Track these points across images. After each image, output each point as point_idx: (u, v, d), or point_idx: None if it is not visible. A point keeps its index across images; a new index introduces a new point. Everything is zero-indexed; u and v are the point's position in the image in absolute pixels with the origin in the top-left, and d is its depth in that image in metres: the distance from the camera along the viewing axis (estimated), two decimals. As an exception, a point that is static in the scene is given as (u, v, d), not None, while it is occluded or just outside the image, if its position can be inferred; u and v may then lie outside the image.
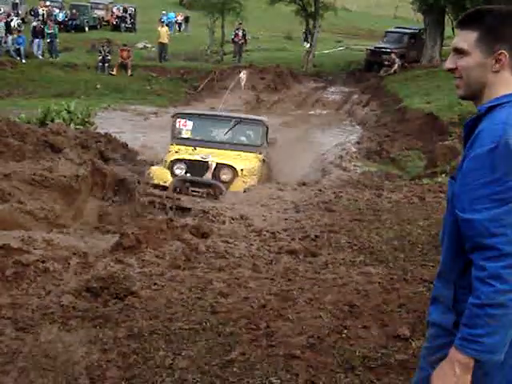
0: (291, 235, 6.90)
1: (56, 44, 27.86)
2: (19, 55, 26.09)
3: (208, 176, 9.63)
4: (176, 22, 39.96)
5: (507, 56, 2.05)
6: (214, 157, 10.14)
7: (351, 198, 8.54)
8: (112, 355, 4.02)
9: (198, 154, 10.27)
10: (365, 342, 4.07)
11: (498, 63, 2.06)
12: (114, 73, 26.13)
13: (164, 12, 38.20)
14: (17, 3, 35.51)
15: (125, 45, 27.93)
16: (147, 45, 32.21)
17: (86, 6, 37.54)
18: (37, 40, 27.21)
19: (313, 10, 29.88)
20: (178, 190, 9.36)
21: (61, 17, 34.16)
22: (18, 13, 33.55)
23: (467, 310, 1.96)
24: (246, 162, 10.27)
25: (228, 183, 9.62)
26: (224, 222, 7.30)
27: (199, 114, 11.59)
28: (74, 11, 35.89)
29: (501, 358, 1.97)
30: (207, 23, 31.77)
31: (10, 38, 26.81)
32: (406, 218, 7.36)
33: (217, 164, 9.76)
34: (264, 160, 10.77)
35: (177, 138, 10.94)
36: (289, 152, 14.70)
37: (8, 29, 27.02)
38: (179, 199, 8.56)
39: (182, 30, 39.83)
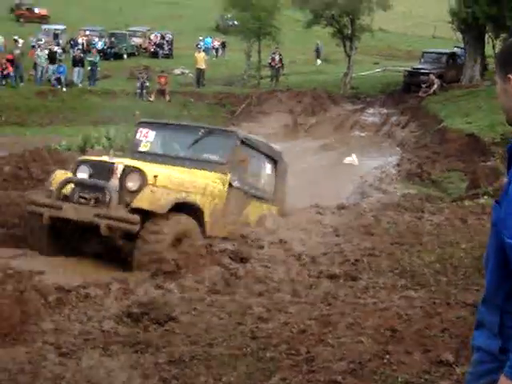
0: (331, 259, 6.86)
1: (96, 72, 28.47)
2: (60, 84, 26.72)
3: (114, 182, 7.22)
4: (213, 47, 40.46)
5: None
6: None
7: (391, 221, 8.46)
8: (153, 380, 4.04)
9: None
10: (407, 367, 4.00)
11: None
12: (152, 99, 26.53)
13: (201, 38, 38.73)
14: (58, 33, 36.46)
15: (162, 71, 28.37)
16: (184, 71, 32.65)
17: (124, 33, 38.29)
18: (77, 68, 27.84)
19: (349, 32, 29.94)
20: (66, 196, 7.48)
21: (100, 45, 34.90)
22: (58, 42, 34.44)
23: None
24: (176, 174, 7.85)
25: (135, 193, 7.15)
26: (263, 247, 7.29)
27: (165, 124, 9.57)
28: (112, 39, 36.66)
29: None
30: (244, 48, 32.08)
31: (51, 67, 27.50)
32: (448, 240, 7.26)
33: (124, 167, 7.32)
34: (231, 184, 8.24)
35: (133, 151, 8.83)
36: (327, 175, 14.68)
37: (50, 58, 27.73)
38: (60, 208, 7.20)
39: (218, 55, 40.30)
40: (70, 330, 4.86)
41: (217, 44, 40.73)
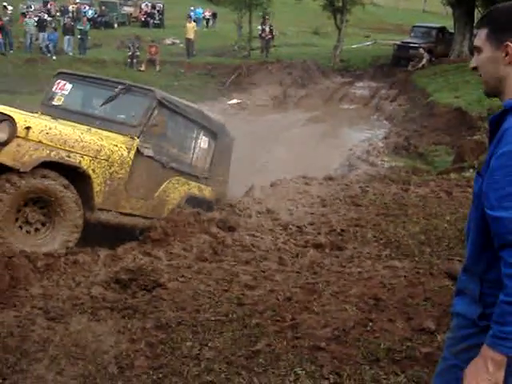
0: (317, 229, 6.92)
1: (87, 41, 28.18)
2: (49, 52, 26.43)
3: None
4: (204, 17, 40.08)
5: None
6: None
7: (378, 193, 8.53)
8: (140, 345, 4.10)
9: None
10: (390, 334, 4.09)
11: (508, 55, 2.08)
12: (142, 69, 26.34)
13: (192, 8, 38.34)
14: (47, 1, 35.95)
15: (153, 41, 28.14)
16: (175, 41, 32.38)
17: (114, 2, 37.84)
18: (67, 37, 27.54)
19: (340, 4, 29.74)
20: None
21: (90, 14, 34.46)
22: (48, 10, 33.98)
23: (497, 307, 1.96)
24: (60, 129, 6.58)
25: (3, 145, 6.08)
26: (250, 216, 7.35)
27: (83, 77, 8.23)
28: (103, 8, 36.21)
29: None
30: (235, 19, 31.82)
31: (41, 34, 27.17)
32: (433, 212, 7.33)
33: None
34: (139, 150, 7.20)
35: (45, 105, 7.92)
36: (315, 147, 14.72)
37: (40, 26, 27.39)
38: None
39: (209, 25, 39.94)
40: (58, 295, 4.92)
41: (208, 14, 40.34)
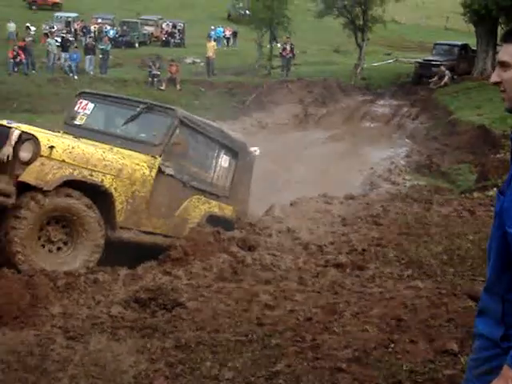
0: (338, 249, 6.87)
1: (108, 60, 28.51)
2: (71, 71, 26.79)
3: (8, 149, 6.18)
4: (224, 36, 40.41)
5: None
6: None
7: (399, 212, 8.46)
8: (159, 365, 4.08)
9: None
10: (412, 356, 4.03)
11: None
12: (163, 88, 26.55)
13: (213, 27, 38.68)
14: (70, 21, 36.53)
15: (173, 60, 28.37)
16: (196, 60, 32.63)
17: (136, 22, 38.29)
18: (89, 56, 27.90)
19: (361, 22, 29.79)
20: None
21: (111, 34, 34.92)
22: (70, 30, 34.51)
23: None
24: (83, 149, 6.63)
25: (27, 164, 6.14)
26: (271, 235, 7.32)
27: (105, 96, 8.29)
28: (124, 28, 36.66)
29: None
30: (255, 38, 32.02)
31: (63, 54, 27.58)
32: (456, 231, 7.25)
33: (20, 134, 6.29)
34: (161, 169, 7.22)
35: (67, 124, 7.95)
36: (336, 166, 14.69)
37: (62, 46, 27.81)
38: None
39: (230, 44, 40.24)
40: (78, 314, 4.92)
41: (228, 33, 40.65)
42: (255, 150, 16.13)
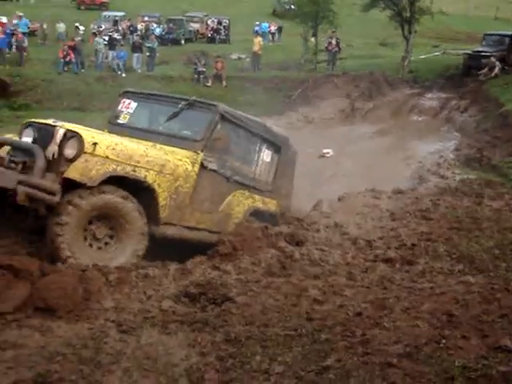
0: (387, 243, 6.83)
1: (155, 57, 28.82)
2: (119, 69, 27.18)
3: (54, 147, 6.34)
4: (269, 31, 40.35)
5: None
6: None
7: (449, 206, 8.35)
8: (210, 359, 4.13)
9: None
10: (464, 352, 3.98)
11: None
12: (209, 84, 26.66)
13: (257, 23, 38.66)
14: (117, 20, 37.05)
15: (218, 56, 28.45)
16: (241, 56, 32.68)
17: (181, 19, 38.55)
18: (136, 54, 28.23)
19: (408, 14, 29.35)
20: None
21: (158, 31, 35.25)
22: (118, 29, 35.01)
23: None
24: (126, 145, 6.74)
25: (72, 161, 6.27)
26: (318, 230, 7.32)
27: (147, 95, 8.44)
28: (170, 25, 36.97)
29: None
30: (300, 32, 31.90)
31: (111, 53, 28.00)
32: (508, 226, 7.13)
33: (65, 132, 6.43)
34: (203, 164, 7.27)
35: (111, 123, 8.11)
36: (383, 160, 14.53)
37: (110, 44, 28.24)
38: None
39: (275, 39, 40.18)
40: (130, 309, 5.02)
41: (273, 29, 40.59)
42: (328, 151, 16.13)
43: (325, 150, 15.97)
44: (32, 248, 6.21)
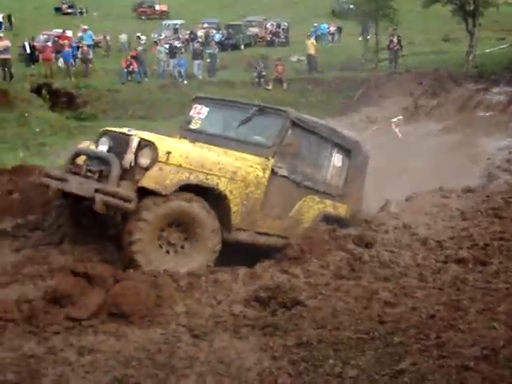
0: (458, 244, 6.67)
1: (216, 63, 29.12)
2: (181, 77, 27.59)
3: (130, 156, 6.48)
4: (329, 32, 40.15)
5: None
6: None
7: (523, 204, 8.09)
8: (282, 363, 4.14)
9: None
10: (546, 355, 3.85)
11: None
12: (269, 87, 26.74)
13: (315, 25, 38.55)
14: (177, 28, 37.64)
15: (279, 59, 28.52)
16: (301, 58, 32.64)
17: (240, 24, 38.89)
18: (197, 61, 28.60)
19: (472, 8, 28.65)
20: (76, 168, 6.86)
21: (218, 38, 35.65)
22: (178, 37, 35.57)
23: None
24: (198, 152, 6.88)
25: (147, 170, 6.39)
26: (387, 232, 7.20)
27: (218, 100, 8.49)
28: (229, 31, 37.33)
29: None
30: (360, 31, 31.62)
31: (171, 61, 28.46)
32: None
33: (140, 141, 6.56)
34: (274, 170, 7.26)
35: (183, 129, 8.17)
36: (450, 158, 14.23)
37: (171, 53, 28.71)
38: (65, 180, 6.69)
39: (334, 40, 39.94)
40: (201, 313, 5.08)
41: (333, 29, 40.37)
42: (398, 118, 15.34)
43: (394, 119, 15.38)
44: (105, 255, 6.34)
